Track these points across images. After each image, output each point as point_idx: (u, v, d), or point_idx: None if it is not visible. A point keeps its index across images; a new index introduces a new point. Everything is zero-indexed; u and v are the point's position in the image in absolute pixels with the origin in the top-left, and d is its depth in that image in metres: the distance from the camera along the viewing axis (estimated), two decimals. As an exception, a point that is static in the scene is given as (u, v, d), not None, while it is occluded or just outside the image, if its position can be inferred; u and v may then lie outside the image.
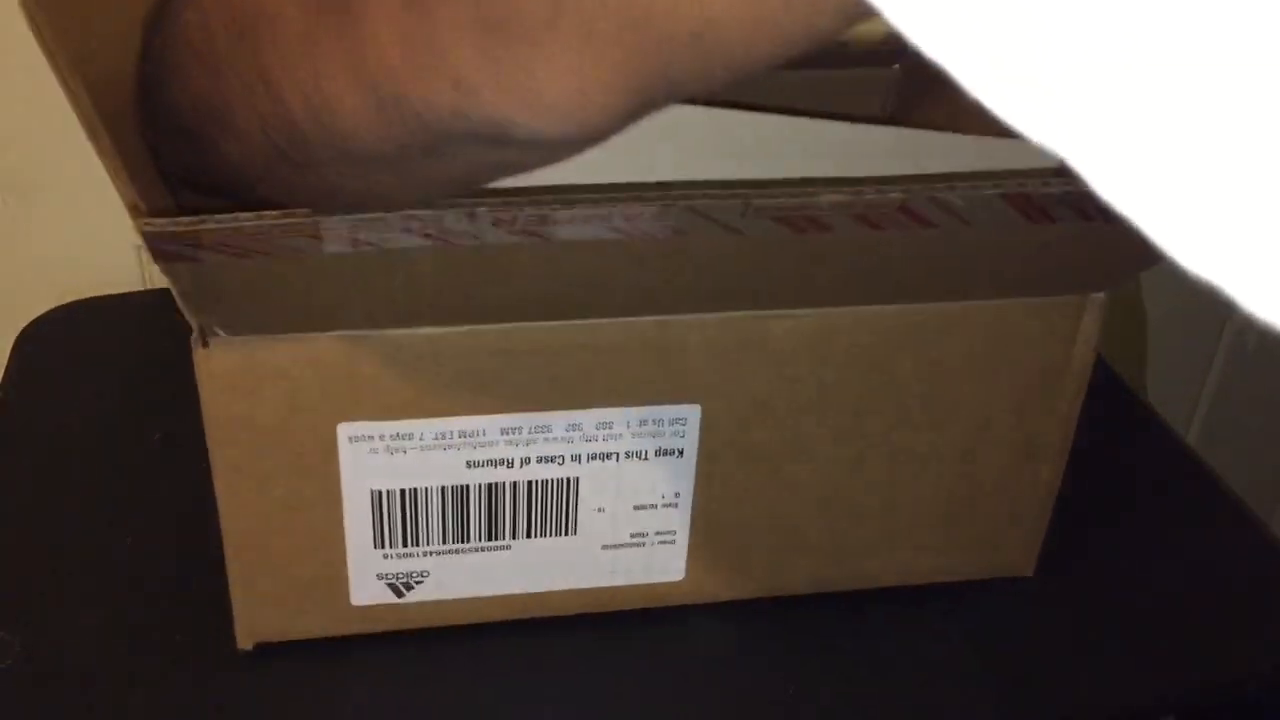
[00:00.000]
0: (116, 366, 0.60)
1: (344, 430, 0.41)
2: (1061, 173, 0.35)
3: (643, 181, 0.36)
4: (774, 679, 0.46)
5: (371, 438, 0.41)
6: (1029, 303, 0.43)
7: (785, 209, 0.34)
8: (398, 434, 0.41)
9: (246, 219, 0.31)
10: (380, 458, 0.41)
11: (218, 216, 0.31)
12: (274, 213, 0.32)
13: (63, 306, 0.63)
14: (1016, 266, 0.41)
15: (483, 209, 0.32)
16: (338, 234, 0.32)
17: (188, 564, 0.48)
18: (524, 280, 0.37)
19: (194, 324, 0.38)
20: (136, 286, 0.68)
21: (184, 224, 0.31)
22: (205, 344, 0.38)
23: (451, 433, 0.41)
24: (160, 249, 0.32)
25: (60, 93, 0.62)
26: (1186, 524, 0.54)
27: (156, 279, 0.69)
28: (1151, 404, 0.62)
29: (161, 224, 0.31)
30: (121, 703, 0.44)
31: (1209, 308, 0.95)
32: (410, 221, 0.32)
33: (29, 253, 0.66)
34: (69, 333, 0.62)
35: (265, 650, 0.45)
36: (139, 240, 0.69)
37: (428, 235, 0.33)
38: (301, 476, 0.41)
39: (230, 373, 0.39)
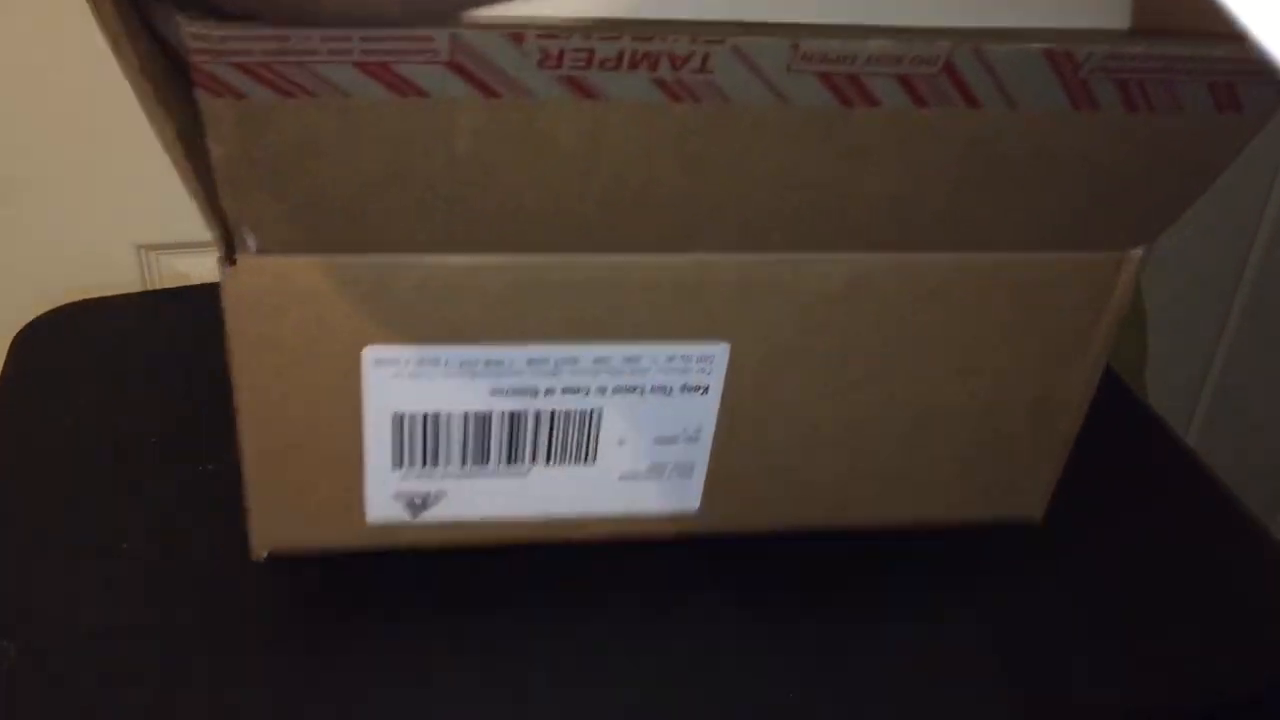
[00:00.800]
0: (116, 366, 0.60)
1: (369, 353, 0.41)
2: (1106, 41, 0.35)
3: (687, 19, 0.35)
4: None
5: (397, 361, 0.41)
6: (1063, 257, 0.44)
7: (831, 57, 0.34)
8: (423, 359, 0.41)
9: (291, 32, 0.31)
10: (404, 382, 0.42)
11: (261, 27, 0.31)
12: (318, 30, 0.31)
13: (63, 306, 0.63)
14: (1060, 189, 0.41)
15: (531, 33, 0.32)
16: (377, 60, 0.32)
17: (187, 565, 0.48)
18: (565, 173, 0.36)
19: (223, 234, 0.38)
20: (136, 286, 0.68)
21: (233, 30, 0.31)
22: (232, 262, 0.38)
23: (478, 360, 0.42)
24: (206, 70, 0.31)
25: (60, 92, 0.62)
26: (1185, 525, 0.54)
27: (156, 279, 0.69)
28: (1151, 404, 0.62)
29: (208, 27, 0.30)
30: (121, 704, 0.44)
31: (1209, 308, 0.95)
32: (453, 50, 0.32)
33: (29, 253, 0.67)
34: (69, 333, 0.62)
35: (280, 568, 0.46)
36: (139, 240, 0.69)
37: (469, 76, 0.32)
38: (324, 396, 0.41)
39: (257, 292, 0.39)
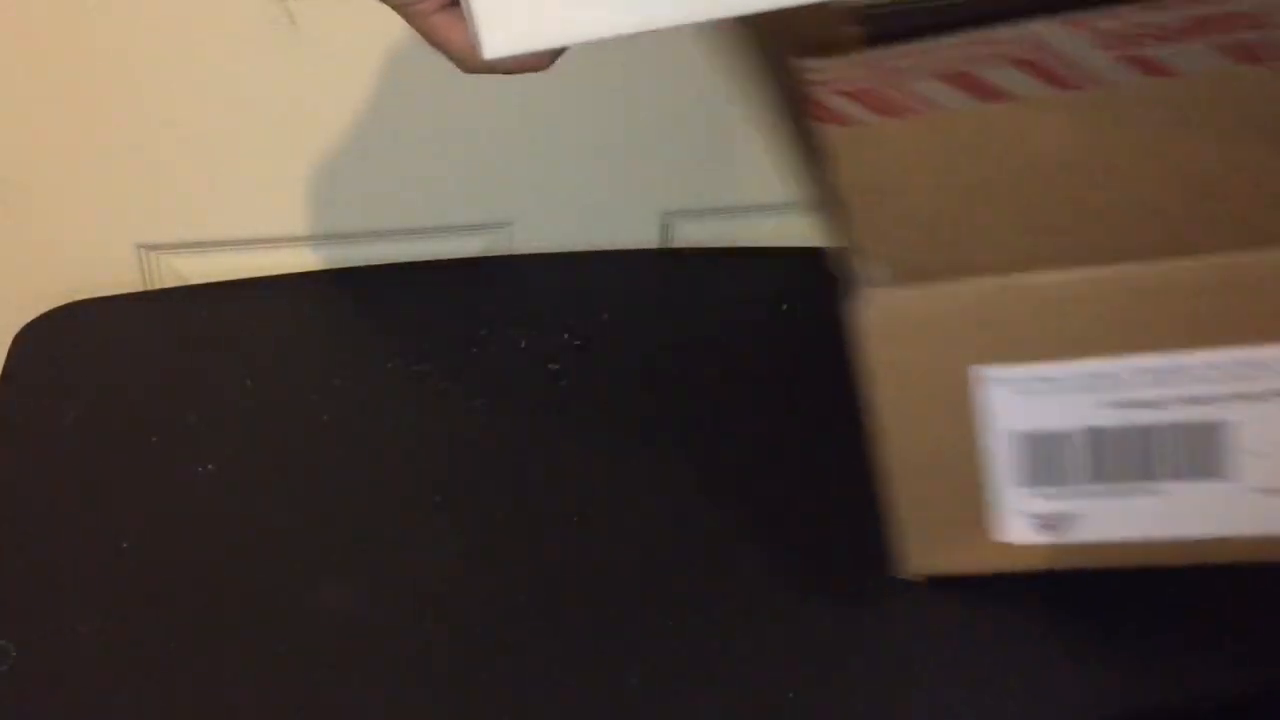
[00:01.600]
0: (116, 366, 0.60)
1: (984, 373, 0.42)
2: None
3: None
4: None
5: (1010, 381, 0.42)
6: None
7: None
8: (1034, 377, 0.41)
9: (879, 54, 0.33)
10: (1019, 399, 0.42)
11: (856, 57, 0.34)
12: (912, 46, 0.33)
13: (63, 306, 0.63)
14: None
15: (1089, 18, 0.32)
16: (956, 69, 0.33)
17: (186, 566, 0.48)
18: (1145, 163, 0.36)
19: (849, 268, 0.41)
20: (137, 286, 0.68)
21: (837, 61, 0.33)
22: (861, 294, 0.41)
23: (1088, 375, 0.41)
24: (821, 101, 0.34)
25: (59, 93, 0.62)
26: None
27: (156, 279, 0.69)
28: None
29: (819, 62, 0.33)
30: (121, 704, 0.44)
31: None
32: (1017, 46, 0.33)
33: (29, 253, 0.66)
34: (69, 333, 0.62)
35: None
36: (139, 240, 0.69)
37: (1038, 70, 0.33)
38: (948, 417, 0.43)
39: (881, 321, 0.41)
